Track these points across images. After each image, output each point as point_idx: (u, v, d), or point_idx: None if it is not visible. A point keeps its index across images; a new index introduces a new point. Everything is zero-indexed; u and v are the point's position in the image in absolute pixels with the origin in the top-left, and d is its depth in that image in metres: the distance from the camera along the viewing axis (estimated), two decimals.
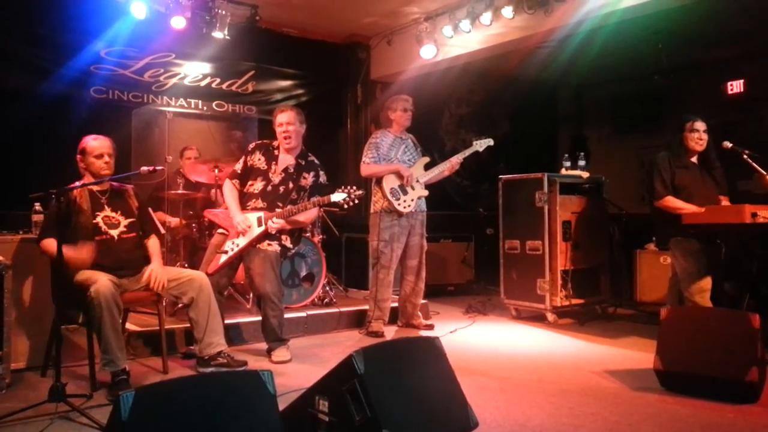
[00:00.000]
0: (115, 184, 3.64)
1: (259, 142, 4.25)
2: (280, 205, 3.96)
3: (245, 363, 3.74)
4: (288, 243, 4.07)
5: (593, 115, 9.01)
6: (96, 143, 3.49)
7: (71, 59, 5.44)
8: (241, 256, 3.97)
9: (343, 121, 7.36)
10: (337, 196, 3.84)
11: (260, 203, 4.00)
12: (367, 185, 5.30)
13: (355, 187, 3.87)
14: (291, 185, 4.03)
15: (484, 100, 8.43)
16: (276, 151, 4.10)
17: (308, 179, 4.09)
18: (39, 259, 3.47)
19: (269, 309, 3.96)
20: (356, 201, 3.88)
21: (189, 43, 5.95)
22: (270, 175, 4.04)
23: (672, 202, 4.10)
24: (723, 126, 6.09)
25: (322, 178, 4.14)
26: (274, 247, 3.97)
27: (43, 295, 3.56)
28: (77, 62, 5.48)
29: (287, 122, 4.03)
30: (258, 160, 4.10)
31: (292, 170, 4.07)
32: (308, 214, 4.05)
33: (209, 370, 3.56)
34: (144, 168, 3.41)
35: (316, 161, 4.19)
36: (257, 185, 4.04)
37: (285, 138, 4.05)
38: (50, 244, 3.26)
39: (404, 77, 6.78)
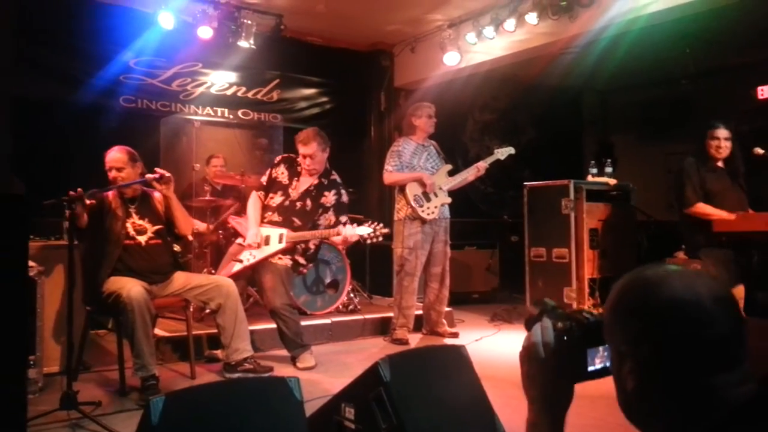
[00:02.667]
0: (144, 191, 3.70)
1: (286, 155, 4.30)
2: (297, 222, 4.00)
3: (271, 369, 3.76)
4: (302, 260, 4.10)
5: (619, 121, 8.90)
6: (107, 157, 3.57)
7: (102, 69, 5.55)
8: (254, 268, 4.01)
9: (367, 128, 7.38)
10: (362, 230, 3.90)
11: (276, 217, 4.04)
12: (391, 192, 5.30)
13: (381, 225, 3.92)
14: (309, 203, 4.07)
15: (507, 106, 8.39)
16: (299, 168, 4.14)
17: (329, 198, 4.11)
18: (71, 264, 3.53)
19: (281, 321, 3.99)
20: (380, 239, 3.93)
21: (215, 53, 6.04)
22: (290, 190, 4.09)
23: (703, 208, 4.03)
24: (753, 131, 5.97)
25: (344, 198, 4.17)
26: (285, 261, 4.00)
27: (75, 300, 3.63)
28: (107, 72, 5.58)
29: (309, 155, 4.05)
30: (281, 173, 4.15)
31: (312, 189, 4.11)
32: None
33: (236, 375, 3.59)
34: (149, 175, 3.47)
35: (338, 180, 4.22)
36: (276, 199, 4.09)
37: (307, 167, 4.10)
38: None
39: (428, 84, 6.79)
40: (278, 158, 4.28)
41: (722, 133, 4.14)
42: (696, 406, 0.85)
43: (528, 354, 1.06)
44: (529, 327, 1.09)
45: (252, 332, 4.36)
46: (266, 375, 3.63)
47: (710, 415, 0.84)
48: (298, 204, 4.06)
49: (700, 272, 0.93)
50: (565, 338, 1.03)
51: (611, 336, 0.95)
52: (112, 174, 3.54)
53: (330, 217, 4.11)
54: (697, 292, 0.87)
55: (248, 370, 3.62)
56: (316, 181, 4.12)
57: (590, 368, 1.03)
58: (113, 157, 3.56)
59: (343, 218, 4.10)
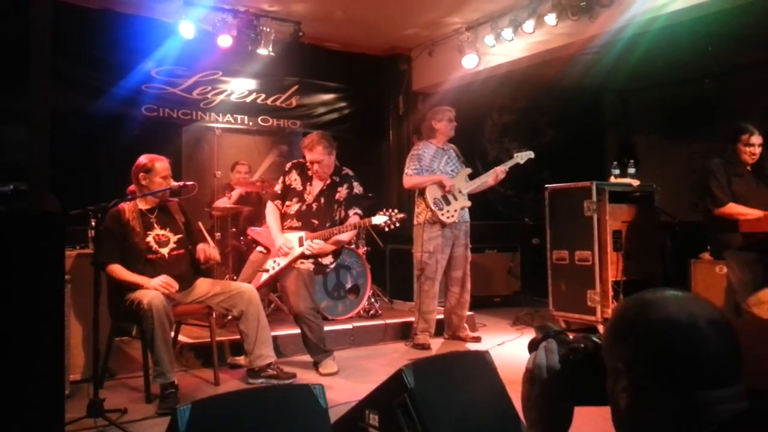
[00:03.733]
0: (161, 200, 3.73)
1: (296, 161, 4.31)
2: (315, 222, 4.02)
3: (294, 375, 3.77)
4: (325, 260, 4.11)
5: (641, 121, 8.78)
6: (162, 164, 3.59)
7: (123, 79, 5.62)
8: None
9: (385, 132, 7.38)
10: (379, 219, 3.91)
11: (296, 222, 4.08)
12: (411, 197, 5.29)
13: (396, 210, 3.94)
14: (323, 201, 4.08)
15: (526, 107, 8.32)
16: (310, 172, 4.16)
17: (342, 192, 4.12)
18: (96, 273, 3.58)
19: (305, 326, 3.99)
20: (397, 224, 3.94)
21: (235, 61, 6.09)
22: (305, 195, 4.12)
23: (734, 208, 3.96)
24: None
25: (357, 189, 4.16)
26: (307, 265, 4.01)
27: (100, 308, 3.68)
28: (129, 81, 5.65)
29: (316, 161, 4.07)
30: (294, 180, 4.17)
31: (325, 188, 4.13)
32: (348, 234, 4.09)
33: (259, 381, 3.61)
34: (174, 183, 3.51)
35: (350, 173, 4.22)
36: (293, 207, 4.12)
37: (316, 173, 4.12)
38: (120, 271, 3.41)
39: (446, 87, 6.77)
40: (289, 165, 4.30)
41: (758, 139, 4.05)
42: (687, 424, 0.88)
43: (531, 376, 1.09)
44: (532, 350, 1.12)
45: (274, 338, 4.38)
46: (289, 381, 3.64)
47: (701, 431, 0.87)
48: (315, 206, 4.09)
49: (697, 296, 0.95)
50: (570, 359, 1.05)
51: (608, 355, 0.98)
52: (168, 181, 3.56)
53: (340, 211, 4.12)
54: (692, 314, 0.90)
55: (271, 376, 3.63)
56: (328, 181, 4.14)
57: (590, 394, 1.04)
58: (166, 166, 3.60)
59: (351, 211, 4.09)
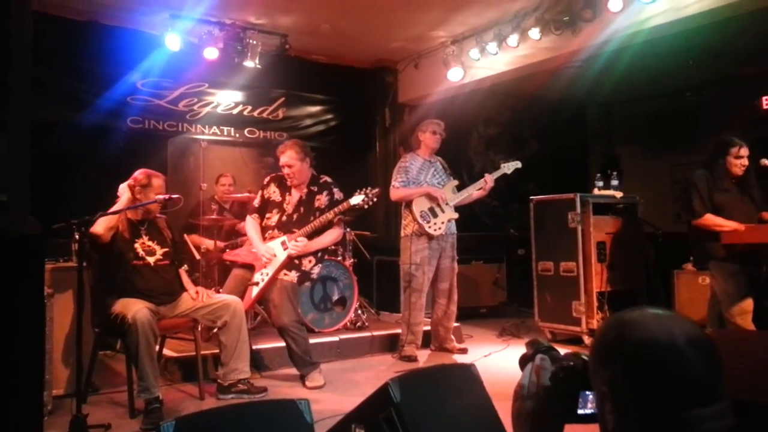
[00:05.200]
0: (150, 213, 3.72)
1: (274, 175, 4.31)
2: (296, 230, 4.01)
3: (265, 389, 3.75)
4: (308, 267, 4.08)
5: (624, 133, 8.90)
6: (159, 181, 3.61)
7: (109, 90, 5.59)
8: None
9: (372, 144, 7.41)
10: (356, 199, 3.93)
11: (276, 233, 4.07)
12: (398, 209, 5.31)
13: (370, 188, 3.95)
14: (303, 210, 4.08)
15: (511, 120, 8.39)
16: (289, 183, 4.16)
17: (322, 199, 4.11)
18: (79, 286, 3.55)
19: (290, 339, 3.97)
20: (375, 199, 3.96)
21: (221, 73, 6.09)
22: (284, 206, 4.11)
23: (711, 219, 4.00)
24: (758, 142, 5.94)
25: (337, 195, 4.15)
26: (291, 276, 4.00)
27: (82, 322, 3.64)
28: (114, 93, 5.62)
29: (287, 164, 4.07)
30: (273, 192, 4.17)
31: (303, 197, 4.13)
32: (332, 234, 4.08)
33: (229, 397, 3.59)
34: (160, 196, 3.50)
35: (328, 180, 4.21)
36: (274, 218, 4.12)
37: (288, 178, 4.11)
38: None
39: (432, 100, 6.82)
40: (267, 179, 4.29)
41: (746, 151, 4.07)
42: None
43: (522, 393, 1.10)
44: (523, 365, 1.13)
45: (261, 351, 4.38)
46: (260, 396, 3.62)
47: None
48: (295, 216, 4.08)
49: (676, 315, 0.96)
50: (561, 377, 1.06)
51: (593, 377, 0.99)
52: (161, 196, 3.57)
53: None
54: (672, 334, 0.90)
55: (242, 391, 3.62)
56: (306, 190, 4.14)
57: (580, 411, 1.05)
58: (161, 183, 3.63)
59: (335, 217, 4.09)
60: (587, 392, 1.04)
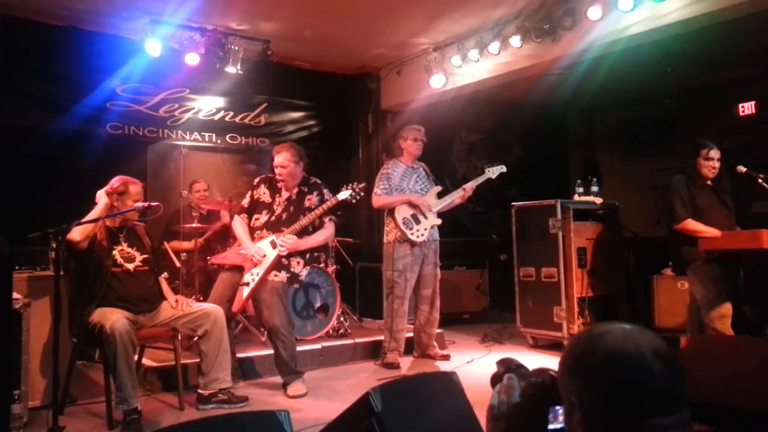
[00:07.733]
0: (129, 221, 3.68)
1: (264, 176, 4.30)
2: (284, 230, 3.99)
3: (246, 399, 3.72)
4: (297, 269, 4.07)
5: (604, 139, 9.00)
6: (136, 188, 3.57)
7: (87, 96, 5.51)
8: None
9: (354, 150, 7.41)
10: (343, 194, 3.97)
11: (265, 233, 4.04)
12: (380, 215, 5.31)
13: (356, 183, 4.00)
14: (292, 210, 4.07)
15: (494, 126, 8.46)
16: (279, 184, 4.14)
17: (312, 199, 4.11)
18: (56, 295, 3.49)
19: (279, 342, 3.95)
20: (362, 194, 4.02)
21: (203, 79, 6.05)
22: (274, 207, 4.10)
23: (692, 225, 4.06)
24: (735, 148, 6.05)
25: (327, 195, 4.15)
26: (281, 277, 3.98)
27: (60, 332, 3.58)
28: (93, 99, 5.55)
29: (281, 165, 4.07)
30: (263, 193, 4.15)
31: (293, 197, 4.12)
32: (324, 233, 4.08)
33: (210, 407, 3.56)
34: (139, 204, 3.47)
35: (318, 181, 4.22)
36: (263, 218, 4.09)
37: (280, 178, 4.10)
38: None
39: (414, 106, 6.84)
40: (257, 179, 4.28)
41: (716, 153, 4.19)
42: None
43: (495, 413, 1.11)
44: (494, 384, 1.15)
45: (244, 360, 4.34)
46: (241, 405, 3.59)
47: None
48: (284, 215, 4.07)
49: (642, 329, 0.99)
50: (530, 393, 1.08)
51: (563, 389, 1.01)
52: (140, 204, 3.55)
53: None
54: (638, 345, 0.94)
55: (222, 401, 3.59)
56: (296, 190, 4.13)
57: (551, 426, 1.07)
58: (139, 190, 3.59)
59: (326, 218, 4.09)
60: (557, 407, 1.05)
